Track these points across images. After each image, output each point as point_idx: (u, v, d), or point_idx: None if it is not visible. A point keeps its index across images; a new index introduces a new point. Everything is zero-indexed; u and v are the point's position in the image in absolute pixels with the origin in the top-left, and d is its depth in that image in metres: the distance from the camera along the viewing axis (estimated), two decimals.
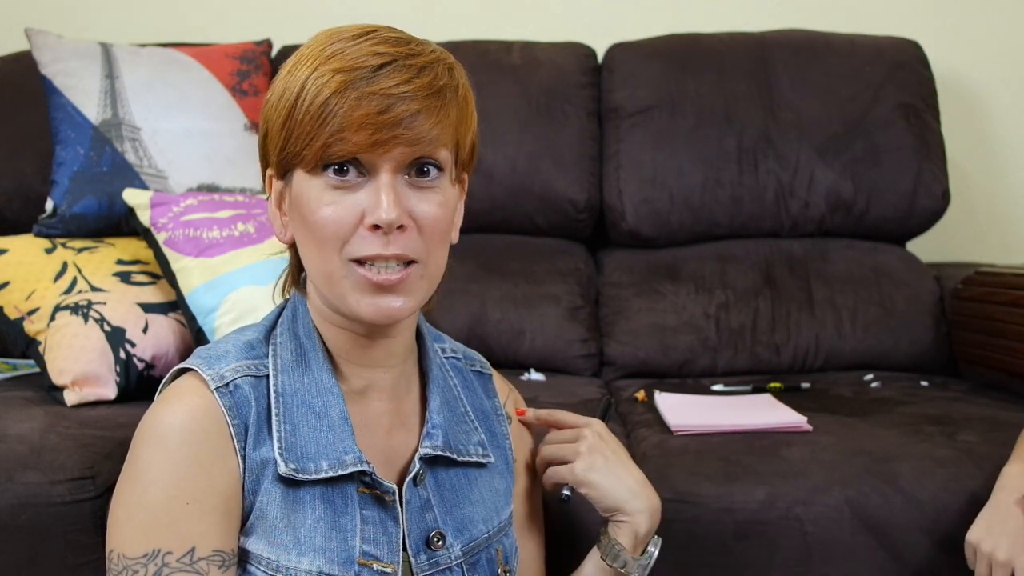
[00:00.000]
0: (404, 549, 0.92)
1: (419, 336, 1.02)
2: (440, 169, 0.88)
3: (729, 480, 1.34)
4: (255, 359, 0.92)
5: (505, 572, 1.00)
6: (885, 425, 1.49)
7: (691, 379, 1.89)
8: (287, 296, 0.99)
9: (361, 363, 0.95)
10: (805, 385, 1.77)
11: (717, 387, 1.77)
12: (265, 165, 0.92)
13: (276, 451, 0.88)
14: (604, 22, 2.37)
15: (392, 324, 0.92)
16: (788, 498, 1.32)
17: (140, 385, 1.56)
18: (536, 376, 1.86)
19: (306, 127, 0.84)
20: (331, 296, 0.90)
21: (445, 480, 0.98)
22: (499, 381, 1.12)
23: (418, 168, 0.87)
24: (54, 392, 1.55)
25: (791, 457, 1.38)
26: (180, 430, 0.85)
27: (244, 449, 0.88)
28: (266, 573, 0.87)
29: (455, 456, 0.97)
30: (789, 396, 1.69)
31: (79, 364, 1.53)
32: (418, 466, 0.94)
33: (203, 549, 0.84)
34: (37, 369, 1.62)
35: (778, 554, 1.31)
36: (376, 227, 0.85)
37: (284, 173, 0.89)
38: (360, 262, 0.86)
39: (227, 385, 0.88)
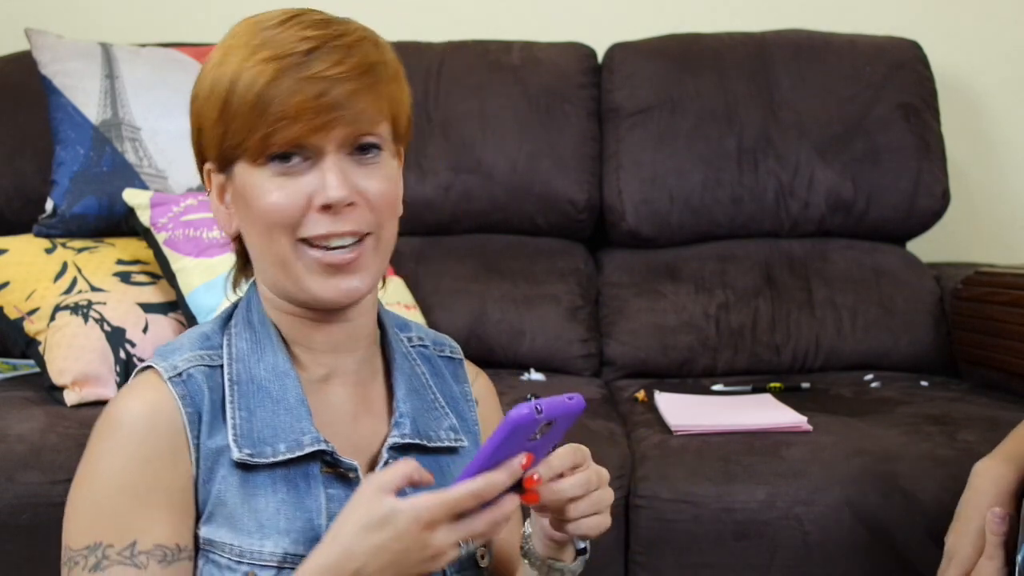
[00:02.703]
0: None
1: (380, 323, 1.01)
2: (380, 146, 0.90)
3: (729, 480, 1.34)
4: (209, 349, 0.93)
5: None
6: (885, 425, 1.49)
7: (691, 379, 1.89)
8: (238, 293, 1.00)
9: (322, 349, 0.95)
10: (805, 385, 1.77)
11: (717, 387, 1.77)
12: (202, 161, 0.93)
13: (231, 438, 0.88)
14: (604, 22, 2.36)
15: (352, 305, 0.93)
16: (788, 498, 1.32)
17: None
18: (536, 376, 1.86)
19: (244, 119, 0.85)
20: (287, 282, 0.90)
21: None
22: (468, 365, 1.09)
23: (360, 146, 0.88)
24: (54, 392, 1.55)
25: (791, 457, 1.38)
26: (130, 425, 0.86)
27: (198, 438, 0.88)
28: (230, 559, 0.87)
29: (426, 443, 0.97)
30: (789, 396, 1.69)
31: (79, 364, 1.53)
32: (386, 456, 0.94)
33: (144, 543, 0.85)
34: (37, 369, 1.62)
35: (778, 554, 1.31)
36: (326, 207, 0.86)
37: (225, 166, 0.90)
38: (311, 244, 0.88)
39: (180, 375, 0.89)
